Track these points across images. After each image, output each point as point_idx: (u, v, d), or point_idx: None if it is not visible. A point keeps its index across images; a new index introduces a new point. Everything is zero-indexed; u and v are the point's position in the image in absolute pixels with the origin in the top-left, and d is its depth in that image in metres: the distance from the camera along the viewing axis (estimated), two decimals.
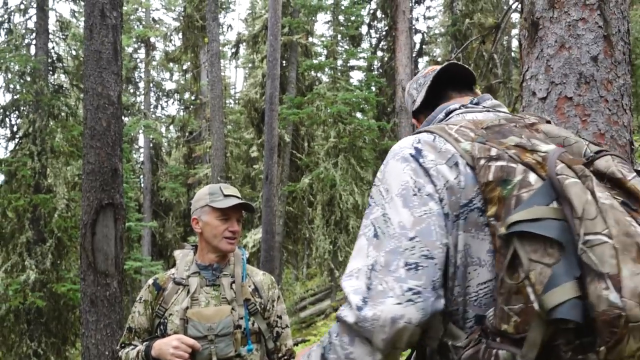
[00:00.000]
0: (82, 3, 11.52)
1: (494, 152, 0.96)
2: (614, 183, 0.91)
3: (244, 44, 16.10)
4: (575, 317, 0.81)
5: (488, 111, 1.18)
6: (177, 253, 2.33)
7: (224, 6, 16.25)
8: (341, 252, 12.11)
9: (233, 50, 16.39)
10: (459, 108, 1.19)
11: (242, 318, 2.13)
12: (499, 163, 0.94)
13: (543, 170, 0.92)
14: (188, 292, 2.15)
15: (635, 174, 0.93)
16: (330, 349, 0.98)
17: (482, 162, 0.95)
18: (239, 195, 2.15)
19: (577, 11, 2.18)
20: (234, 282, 2.18)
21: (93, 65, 3.81)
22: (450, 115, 1.19)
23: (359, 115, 13.44)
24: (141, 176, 19.19)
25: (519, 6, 2.45)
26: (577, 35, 2.18)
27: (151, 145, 18.56)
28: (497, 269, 0.91)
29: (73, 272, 9.86)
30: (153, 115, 19.74)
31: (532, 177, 0.92)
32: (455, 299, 0.98)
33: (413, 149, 1.02)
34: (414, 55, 15.97)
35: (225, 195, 2.11)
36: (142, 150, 19.59)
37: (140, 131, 17.88)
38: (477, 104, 1.21)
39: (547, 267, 0.84)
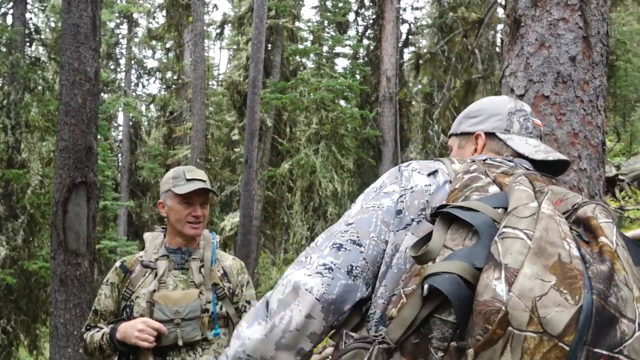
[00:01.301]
0: None
1: (472, 168, 0.99)
2: (583, 222, 0.85)
3: (229, 25, 15.86)
4: (446, 290, 0.73)
5: (511, 162, 1.11)
6: (147, 236, 2.31)
7: None
8: None
9: (218, 30, 16.13)
10: (484, 160, 1.11)
11: (209, 302, 2.13)
12: (471, 175, 0.97)
13: (507, 187, 0.92)
14: (156, 275, 2.13)
15: (610, 220, 0.84)
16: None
17: (460, 175, 0.99)
18: (204, 178, 2.12)
19: (559, 11, 2.19)
20: (202, 266, 2.17)
21: (70, 40, 3.70)
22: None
23: (342, 102, 13.40)
24: (119, 155, 18.90)
25: (504, 2, 2.45)
26: (558, 34, 2.19)
27: (130, 123, 18.25)
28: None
29: (45, 249, 9.70)
30: (133, 94, 19.38)
31: (493, 187, 0.93)
32: (376, 300, 0.94)
33: (406, 163, 1.06)
34: (399, 45, 15.93)
35: (188, 180, 2.09)
36: (121, 128, 19.26)
37: (120, 109, 17.56)
38: (510, 161, 1.11)
39: (451, 250, 0.80)
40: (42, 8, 11.13)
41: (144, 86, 20.23)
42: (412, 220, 0.96)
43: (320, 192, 12.01)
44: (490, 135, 1.19)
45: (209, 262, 2.18)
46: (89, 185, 3.77)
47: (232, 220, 13.42)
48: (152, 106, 19.44)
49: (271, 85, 12.34)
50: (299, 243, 12.15)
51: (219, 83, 19.52)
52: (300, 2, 14.75)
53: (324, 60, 13.79)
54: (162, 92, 19.37)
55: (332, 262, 0.92)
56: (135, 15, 18.66)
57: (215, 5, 20.95)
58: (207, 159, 14.79)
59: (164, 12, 16.75)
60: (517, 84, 2.27)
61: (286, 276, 0.94)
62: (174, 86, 18.51)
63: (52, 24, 11.50)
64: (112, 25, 18.07)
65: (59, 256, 3.61)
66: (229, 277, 2.24)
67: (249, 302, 2.26)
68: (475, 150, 1.20)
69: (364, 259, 0.93)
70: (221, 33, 16.03)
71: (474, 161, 1.06)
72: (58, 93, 3.94)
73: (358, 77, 14.08)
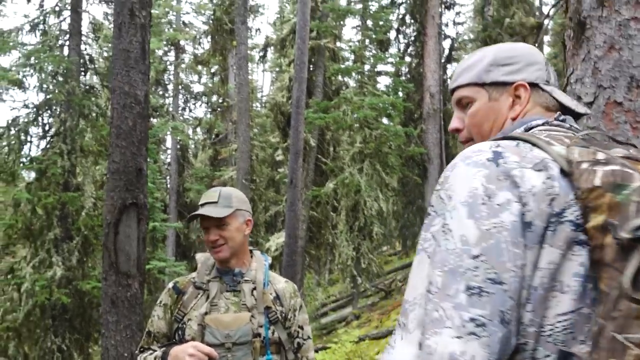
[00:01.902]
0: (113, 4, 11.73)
1: (601, 156, 0.82)
2: None
3: (272, 47, 16.15)
4: None
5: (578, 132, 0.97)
6: (199, 257, 2.27)
7: (253, 10, 16.34)
8: (364, 258, 11.96)
9: (261, 53, 16.46)
10: (543, 124, 0.97)
11: (261, 326, 2.05)
12: (609, 167, 0.79)
13: None
14: (208, 297, 2.08)
15: None
16: None
17: (585, 165, 0.81)
18: (214, 199, 2.04)
19: (629, 10, 2.03)
20: (255, 288, 2.10)
21: (121, 64, 3.79)
22: (532, 132, 0.96)
23: (384, 120, 13.29)
24: (168, 177, 19.42)
25: (564, 5, 2.32)
26: (629, 35, 2.03)
27: (178, 146, 18.76)
28: (607, 286, 0.75)
29: (98, 270, 9.97)
30: (181, 117, 19.97)
31: None
32: (525, 329, 0.78)
33: (491, 152, 0.85)
34: (442, 61, 15.76)
35: (201, 205, 2.04)
36: (169, 151, 19.82)
37: (168, 133, 18.10)
38: (563, 121, 0.99)
39: None
40: (96, 39, 11.65)
41: (190, 110, 20.83)
42: (545, 228, 0.79)
43: (365, 212, 11.87)
44: (532, 86, 1.02)
45: (261, 285, 2.11)
46: (139, 206, 3.82)
47: (277, 240, 13.43)
48: (198, 129, 19.95)
49: (314, 105, 12.40)
50: (344, 263, 11.99)
51: (263, 105, 19.85)
52: (342, 23, 14.86)
53: (366, 79, 13.76)
54: (208, 116, 19.87)
55: (480, 315, 0.74)
56: (182, 42, 19.33)
57: (258, 29, 21.58)
58: (252, 180, 14.95)
59: (209, 38, 17.25)
60: (584, 91, 2.11)
61: (429, 345, 0.75)
62: (219, 109, 18.94)
63: (105, 54, 12.00)
64: (160, 52, 18.77)
65: (110, 277, 3.64)
66: (282, 301, 2.16)
67: (301, 327, 2.17)
68: (514, 103, 1.01)
69: (511, 297, 0.76)
70: (264, 56, 16.35)
71: (554, 131, 0.90)
72: (110, 117, 4.03)
73: (401, 94, 13.97)
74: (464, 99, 1.05)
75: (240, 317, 2.02)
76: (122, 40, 3.80)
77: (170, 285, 2.17)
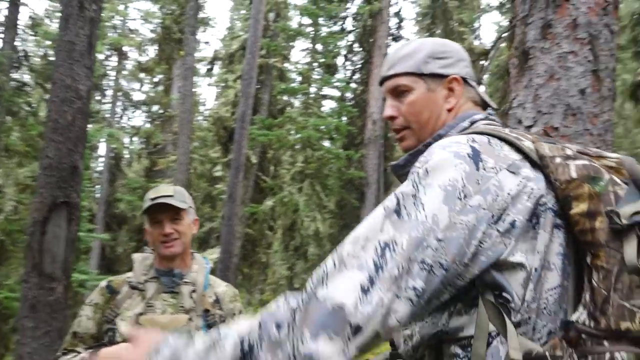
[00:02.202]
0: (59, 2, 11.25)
1: (569, 152, 0.93)
2: None
3: (219, 62, 16.03)
4: None
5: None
6: (137, 256, 2.18)
7: (203, 22, 16.20)
8: (298, 278, 11.90)
9: (208, 67, 16.28)
10: (484, 119, 1.07)
11: (199, 329, 1.98)
12: (580, 162, 0.91)
13: (620, 174, 0.92)
14: (143, 297, 1.98)
15: None
16: (269, 342, 0.79)
17: (558, 160, 0.92)
18: (170, 193, 1.99)
19: (569, 44, 2.20)
20: (194, 290, 2.03)
21: (64, 56, 3.61)
22: (476, 125, 1.04)
23: (326, 143, 13.46)
24: (97, 186, 18.57)
25: (511, 35, 2.47)
26: (567, 67, 2.19)
27: (112, 154, 18.04)
28: (607, 263, 0.85)
29: (13, 279, 9.27)
30: (117, 125, 19.27)
31: (616, 177, 0.91)
32: (528, 305, 0.88)
33: (469, 147, 0.91)
34: None
35: (152, 199, 1.97)
36: (101, 159, 19.03)
37: (103, 139, 17.38)
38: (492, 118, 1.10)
39: None
40: (34, 34, 11.10)
41: (129, 118, 20.16)
42: (532, 220, 0.90)
43: (302, 231, 11.85)
44: (463, 80, 1.10)
45: (201, 287, 2.05)
46: (71, 206, 3.59)
47: (210, 257, 13.10)
48: (135, 138, 19.30)
49: (259, 122, 12.36)
50: (277, 283, 11.87)
51: (205, 118, 19.56)
52: (291, 44, 15.04)
53: (312, 101, 13.93)
54: (147, 125, 19.29)
55: (421, 288, 0.83)
56: (125, 48, 18.78)
57: (208, 42, 21.28)
58: (189, 193, 14.53)
59: (155, 46, 16.88)
60: (525, 115, 2.25)
61: (382, 298, 0.81)
62: (159, 119, 18.46)
63: (42, 51, 11.44)
64: (101, 57, 18.12)
65: (32, 279, 3.38)
66: (222, 305, 2.10)
67: None
68: (449, 95, 1.08)
69: (442, 283, 0.85)
70: (211, 69, 16.18)
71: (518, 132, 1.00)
72: (47, 110, 3.81)
73: (345, 118, 14.23)
74: (401, 87, 1.09)
75: (177, 319, 1.95)
76: (69, 32, 3.62)
77: (103, 283, 2.06)
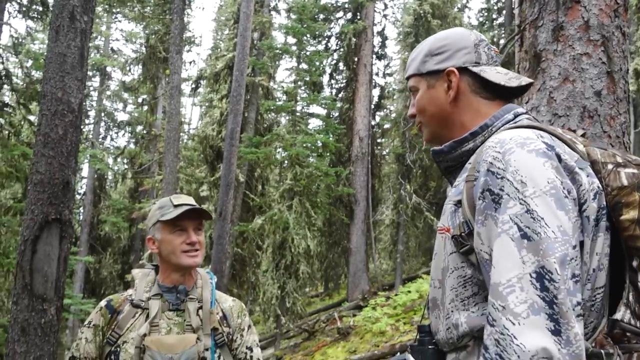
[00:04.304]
0: (41, 21, 11.10)
1: (619, 159, 0.97)
2: None
3: (205, 81, 15.98)
4: None
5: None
6: (136, 272, 2.06)
7: (189, 41, 16.18)
8: (289, 297, 11.69)
9: (193, 86, 16.21)
10: (526, 113, 1.10)
11: (207, 349, 1.87)
12: (629, 170, 0.95)
13: None
14: (147, 316, 1.87)
15: None
16: None
17: (610, 167, 0.95)
18: (193, 202, 1.91)
19: (582, 45, 2.18)
20: (201, 307, 1.92)
21: (55, 69, 3.49)
22: (520, 119, 1.07)
23: (312, 160, 13.41)
24: (81, 208, 18.22)
25: (519, 40, 2.45)
26: (582, 69, 2.16)
27: (95, 175, 17.76)
28: None
29: None
30: (101, 146, 19.03)
31: None
32: (584, 304, 0.91)
33: (542, 143, 0.92)
34: (372, 107, 16.35)
35: (176, 206, 1.87)
36: (84, 180, 18.71)
37: (86, 160, 17.11)
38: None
39: None
40: (16, 53, 10.91)
41: (112, 139, 19.93)
42: (597, 220, 0.93)
43: (292, 249, 11.69)
44: (462, 70, 1.12)
45: (208, 304, 1.93)
46: (63, 223, 3.44)
47: None
48: (119, 159, 19.05)
49: (246, 140, 12.28)
50: (268, 302, 11.64)
51: (190, 137, 19.42)
52: (277, 62, 15.07)
53: (299, 118, 13.92)
54: (131, 145, 19.08)
55: (583, 300, 0.88)
56: (108, 69, 18.66)
57: (193, 61, 21.30)
58: None
59: (139, 66, 16.79)
60: (540, 118, 2.20)
61: (577, 333, 0.82)
62: (143, 139, 18.26)
63: (25, 70, 11.24)
64: None
65: (22, 301, 3.20)
66: (229, 321, 1.99)
67: (250, 349, 2.00)
68: (449, 87, 1.11)
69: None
70: (196, 88, 16.11)
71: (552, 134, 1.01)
72: (37, 123, 3.68)
73: (331, 137, 14.25)
74: (412, 87, 1.19)
75: (185, 339, 1.84)
76: (59, 43, 3.52)
77: (103, 303, 1.94)
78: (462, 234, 0.92)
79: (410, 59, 1.20)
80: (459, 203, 0.99)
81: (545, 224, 0.85)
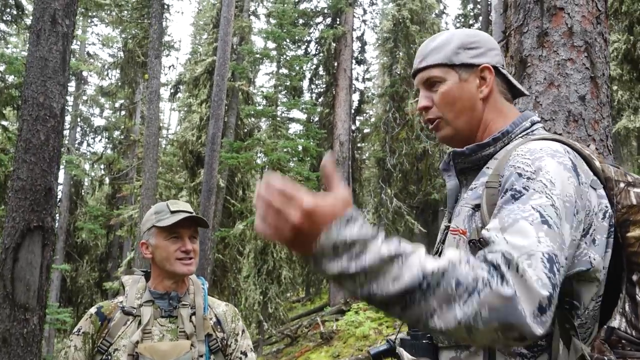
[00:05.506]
0: (15, 25, 10.87)
1: (630, 178, 1.01)
2: None
3: (184, 85, 15.85)
4: None
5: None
6: (126, 279, 2.03)
7: (167, 45, 16.03)
8: (271, 303, 11.65)
9: (172, 91, 16.06)
10: (540, 122, 1.15)
11: (202, 356, 1.86)
12: (638, 190, 0.99)
13: None
14: (139, 323, 1.84)
15: None
16: (444, 294, 0.77)
17: (622, 185, 0.99)
18: (190, 209, 1.90)
19: (566, 51, 2.24)
20: (194, 313, 1.91)
21: (37, 73, 3.42)
22: (536, 127, 1.12)
23: (292, 164, 13.40)
24: (57, 215, 17.84)
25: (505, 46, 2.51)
26: (566, 74, 2.22)
27: (71, 182, 17.41)
28: None
29: None
30: (77, 151, 18.68)
31: None
32: (588, 313, 0.97)
33: (569, 160, 0.96)
34: (352, 112, 16.43)
35: (173, 212, 1.86)
36: (60, 187, 18.34)
37: (62, 167, 16.77)
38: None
39: None
40: None
41: (89, 144, 19.58)
42: (608, 237, 0.98)
43: (274, 255, 11.66)
44: (494, 69, 1.13)
45: (201, 310, 1.92)
46: (45, 230, 3.36)
47: None
48: (96, 165, 18.74)
49: (227, 145, 12.22)
50: (251, 308, 11.57)
51: (169, 142, 19.21)
52: (258, 67, 15.04)
53: (279, 123, 13.91)
54: (108, 151, 18.78)
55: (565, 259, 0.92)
56: (85, 73, 18.36)
57: (172, 65, 21.08)
58: None
59: (116, 71, 16.56)
60: None
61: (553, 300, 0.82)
62: (121, 145, 18.00)
63: None
64: None
65: (3, 311, 3.10)
66: (223, 326, 1.98)
67: (245, 354, 1.99)
68: (482, 84, 1.10)
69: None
70: (175, 93, 15.96)
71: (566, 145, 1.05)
72: (18, 129, 3.60)
73: (312, 141, 14.27)
74: (433, 78, 1.12)
75: (179, 346, 1.82)
76: (40, 47, 3.45)
77: (93, 310, 1.91)
78: (481, 239, 0.92)
79: (428, 49, 1.13)
80: (477, 207, 1.00)
81: (564, 223, 0.87)
